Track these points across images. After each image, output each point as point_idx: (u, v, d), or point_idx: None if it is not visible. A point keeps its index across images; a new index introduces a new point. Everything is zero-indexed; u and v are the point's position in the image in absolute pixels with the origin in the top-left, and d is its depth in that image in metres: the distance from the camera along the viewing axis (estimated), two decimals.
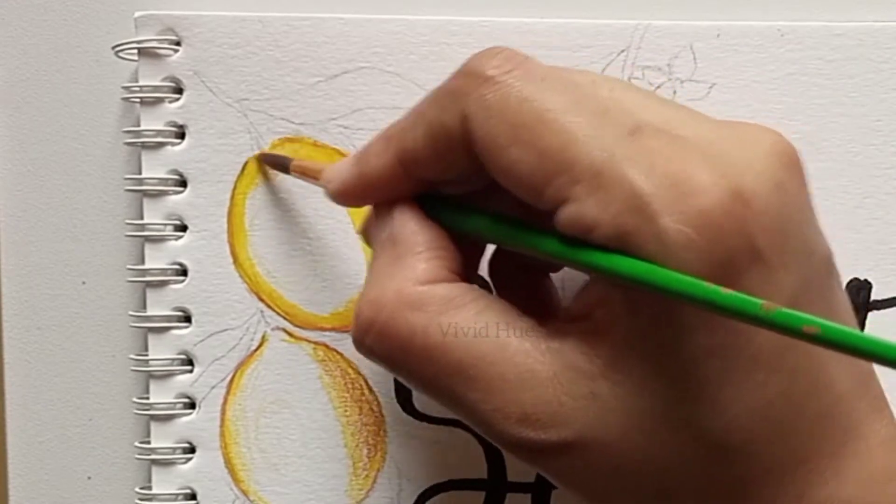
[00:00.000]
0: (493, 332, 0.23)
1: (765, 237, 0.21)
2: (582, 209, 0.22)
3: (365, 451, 0.33)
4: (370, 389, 0.33)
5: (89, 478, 0.35)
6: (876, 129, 0.32)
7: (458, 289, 0.24)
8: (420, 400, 0.33)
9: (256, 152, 0.32)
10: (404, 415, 0.33)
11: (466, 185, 0.26)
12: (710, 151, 0.22)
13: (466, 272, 0.26)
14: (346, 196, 0.27)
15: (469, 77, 0.24)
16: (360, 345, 0.25)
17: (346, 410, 0.33)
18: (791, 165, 0.23)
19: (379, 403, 0.33)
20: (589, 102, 0.23)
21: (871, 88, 0.32)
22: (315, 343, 0.33)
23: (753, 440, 0.22)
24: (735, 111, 0.32)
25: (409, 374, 0.24)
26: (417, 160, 0.25)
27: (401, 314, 0.24)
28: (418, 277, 0.24)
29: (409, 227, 0.25)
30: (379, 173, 0.26)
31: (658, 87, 0.32)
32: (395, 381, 0.33)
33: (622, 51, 0.32)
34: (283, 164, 0.31)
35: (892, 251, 0.33)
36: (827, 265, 0.23)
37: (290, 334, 0.33)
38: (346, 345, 0.33)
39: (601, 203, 0.21)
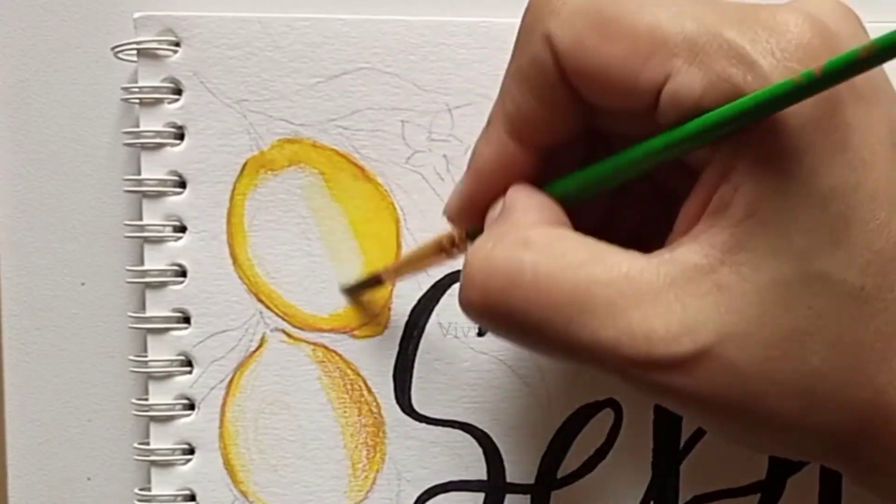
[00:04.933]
0: (602, 257, 0.23)
1: None
2: (685, 79, 0.22)
3: (364, 453, 0.33)
4: (369, 390, 0.33)
5: (89, 479, 0.35)
6: None
7: (563, 229, 0.24)
8: (419, 401, 0.33)
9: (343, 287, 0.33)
10: (403, 416, 0.33)
11: (572, 154, 0.26)
12: (786, 6, 0.23)
13: None
14: (469, 206, 0.27)
15: (535, 7, 0.25)
16: (472, 299, 0.24)
17: (345, 411, 0.33)
18: (858, 23, 0.24)
19: (378, 404, 0.33)
20: None
21: None
22: (314, 344, 0.33)
23: (888, 287, 0.22)
24: None
25: (521, 318, 0.23)
26: (523, 118, 0.25)
27: (507, 253, 0.24)
28: (524, 224, 0.24)
29: (521, 194, 0.25)
30: (492, 159, 0.26)
31: None
32: (395, 381, 0.33)
33: None
34: (374, 282, 0.32)
35: None
36: None
37: (289, 335, 0.33)
38: (344, 346, 0.33)
39: (703, 66, 0.22)
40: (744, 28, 0.22)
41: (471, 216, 0.27)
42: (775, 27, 0.22)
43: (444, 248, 0.29)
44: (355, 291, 0.33)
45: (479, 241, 0.25)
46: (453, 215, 0.27)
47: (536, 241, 0.24)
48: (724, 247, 0.22)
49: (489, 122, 0.26)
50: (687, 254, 0.23)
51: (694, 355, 0.22)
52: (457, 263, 0.33)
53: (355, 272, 0.33)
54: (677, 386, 0.23)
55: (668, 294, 0.22)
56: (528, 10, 0.25)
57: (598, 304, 0.23)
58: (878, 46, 0.19)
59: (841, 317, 0.22)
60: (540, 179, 0.26)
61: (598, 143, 0.26)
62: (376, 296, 0.33)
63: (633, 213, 0.29)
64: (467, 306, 0.24)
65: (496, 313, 0.24)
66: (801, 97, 0.21)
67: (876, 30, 0.24)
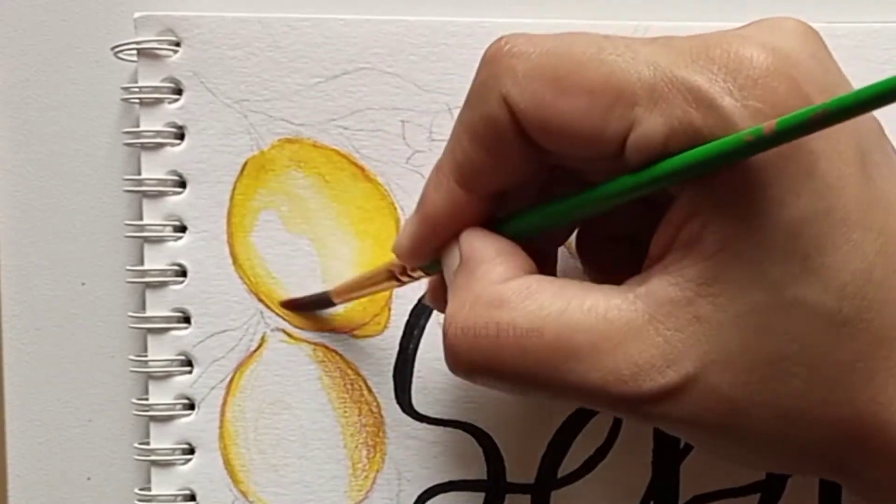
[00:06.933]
0: (579, 302, 0.23)
1: (819, 98, 0.22)
2: (649, 127, 0.22)
3: (364, 452, 0.33)
4: (369, 390, 0.33)
5: (89, 479, 0.35)
6: None
7: (533, 278, 0.25)
8: (419, 400, 0.33)
9: (284, 301, 0.33)
10: (404, 416, 0.33)
11: (526, 190, 0.26)
12: (741, 36, 0.23)
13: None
14: (419, 248, 0.27)
15: (490, 64, 0.24)
16: (457, 363, 0.25)
17: (345, 411, 0.33)
18: (818, 41, 0.23)
19: (378, 404, 0.33)
20: (606, 39, 0.23)
21: None
22: (314, 344, 0.33)
23: (865, 308, 0.22)
24: None
25: (510, 374, 0.24)
26: (474, 170, 0.25)
27: (486, 316, 0.24)
28: (494, 280, 0.25)
29: (478, 243, 0.26)
30: (441, 205, 0.26)
31: None
32: (395, 381, 0.33)
33: None
34: (323, 301, 0.32)
35: None
36: (878, 130, 0.24)
37: (289, 335, 0.33)
38: (345, 346, 0.33)
39: (664, 112, 0.22)
40: (699, 67, 0.22)
41: (422, 256, 0.27)
42: (731, 63, 0.22)
43: (395, 277, 0.29)
44: (301, 307, 0.33)
45: (453, 305, 0.25)
46: (404, 255, 0.27)
47: (510, 298, 0.24)
48: (699, 279, 0.22)
49: (438, 169, 0.26)
50: (662, 287, 0.23)
51: (678, 385, 0.23)
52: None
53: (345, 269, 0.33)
54: (666, 414, 0.23)
55: (647, 329, 0.23)
56: (482, 65, 0.25)
57: (582, 349, 0.23)
58: (831, 110, 0.19)
59: (819, 340, 0.22)
60: (491, 218, 0.26)
61: (550, 176, 0.26)
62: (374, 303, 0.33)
63: (621, 215, 0.29)
64: (456, 372, 0.25)
65: (486, 374, 0.24)
66: (753, 153, 0.21)
67: (877, 30, 0.24)
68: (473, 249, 0.25)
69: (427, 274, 0.28)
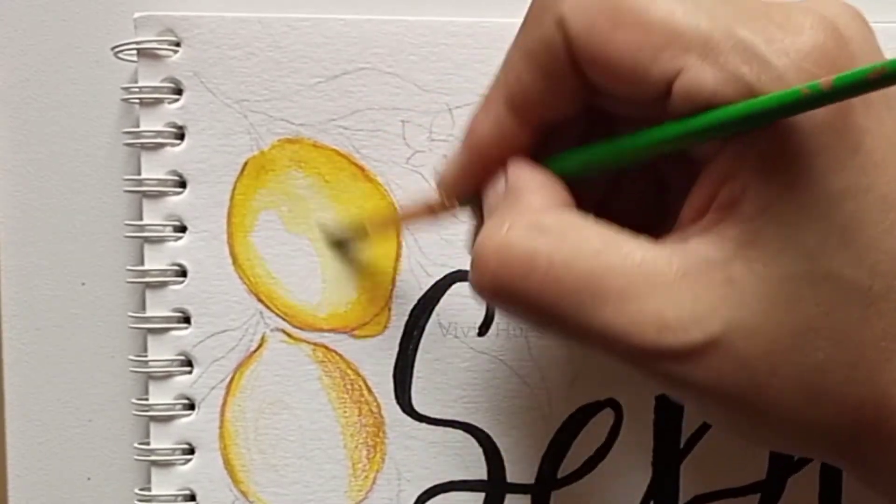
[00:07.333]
0: (616, 246, 0.23)
1: None
2: (698, 74, 0.22)
3: (364, 452, 0.33)
4: (369, 390, 0.33)
5: (89, 479, 0.35)
6: None
7: (576, 214, 0.24)
8: (419, 400, 0.33)
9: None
10: (404, 416, 0.33)
11: (570, 134, 0.26)
12: (802, 7, 0.23)
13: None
14: (464, 178, 0.27)
15: None
16: (482, 282, 0.24)
17: (345, 411, 0.33)
18: (867, 25, 0.24)
19: (378, 404, 0.33)
20: None
21: None
22: (314, 344, 0.33)
23: None
24: None
25: (534, 303, 0.23)
26: (527, 96, 0.25)
27: (523, 239, 0.24)
28: (537, 207, 0.24)
29: (525, 173, 0.25)
30: (490, 133, 0.26)
31: None
32: (395, 381, 0.33)
33: None
34: (359, 234, 0.32)
35: None
36: None
37: (289, 335, 0.33)
38: (345, 346, 0.33)
39: (717, 63, 0.22)
40: (758, 27, 0.22)
41: (465, 187, 0.27)
42: (790, 27, 0.22)
43: (434, 212, 0.29)
44: (341, 244, 0.33)
45: (491, 224, 0.24)
46: (448, 186, 0.27)
47: (551, 226, 0.24)
48: (737, 241, 0.22)
49: (488, 96, 0.26)
50: (699, 246, 0.23)
51: (702, 345, 0.22)
52: (458, 263, 0.33)
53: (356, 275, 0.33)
54: (684, 375, 0.23)
55: (679, 284, 0.23)
56: None
57: (611, 292, 0.23)
58: (888, 70, 0.19)
59: (847, 315, 0.22)
60: (536, 154, 0.26)
61: (596, 121, 0.26)
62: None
63: (626, 194, 0.29)
64: (480, 290, 0.24)
65: (510, 298, 0.24)
66: (807, 108, 0.21)
67: (877, 30, 0.24)
68: (520, 178, 0.25)
69: (465, 206, 0.28)
